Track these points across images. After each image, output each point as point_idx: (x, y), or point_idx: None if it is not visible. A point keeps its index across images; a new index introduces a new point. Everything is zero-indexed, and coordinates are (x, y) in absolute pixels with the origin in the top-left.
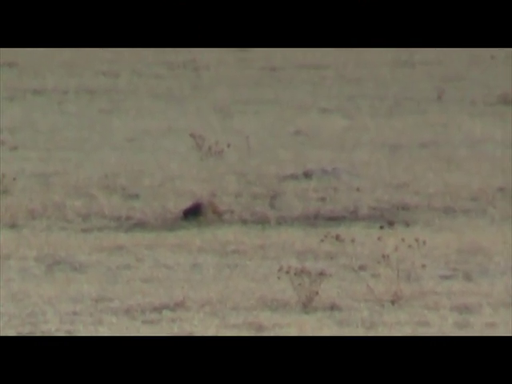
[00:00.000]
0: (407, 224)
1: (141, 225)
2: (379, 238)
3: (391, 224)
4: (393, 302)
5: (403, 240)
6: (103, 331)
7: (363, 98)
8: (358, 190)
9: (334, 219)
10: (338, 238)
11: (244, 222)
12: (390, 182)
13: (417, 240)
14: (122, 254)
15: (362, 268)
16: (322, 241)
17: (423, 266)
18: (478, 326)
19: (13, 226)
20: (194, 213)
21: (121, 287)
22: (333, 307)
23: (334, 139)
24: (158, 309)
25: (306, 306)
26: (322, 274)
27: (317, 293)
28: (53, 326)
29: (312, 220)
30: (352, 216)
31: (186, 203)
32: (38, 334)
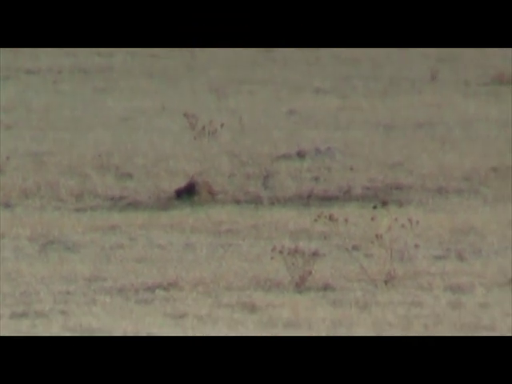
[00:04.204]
0: (401, 204)
1: (134, 204)
2: (372, 218)
3: (385, 204)
4: (386, 282)
5: (396, 220)
6: (96, 311)
7: (358, 78)
8: (351, 169)
9: (328, 199)
10: (331, 217)
11: (237, 201)
12: (383, 161)
13: (410, 220)
14: (116, 234)
15: (355, 248)
16: (316, 221)
17: (416, 245)
18: (471, 306)
19: (6, 205)
20: (187, 193)
21: (114, 267)
22: (326, 287)
23: (328, 119)
24: (151, 288)
25: (300, 286)
26: (315, 253)
27: (310, 273)
28: (46, 306)
29: (305, 200)
30: (345, 196)
31: (180, 183)
32: (32, 313)
